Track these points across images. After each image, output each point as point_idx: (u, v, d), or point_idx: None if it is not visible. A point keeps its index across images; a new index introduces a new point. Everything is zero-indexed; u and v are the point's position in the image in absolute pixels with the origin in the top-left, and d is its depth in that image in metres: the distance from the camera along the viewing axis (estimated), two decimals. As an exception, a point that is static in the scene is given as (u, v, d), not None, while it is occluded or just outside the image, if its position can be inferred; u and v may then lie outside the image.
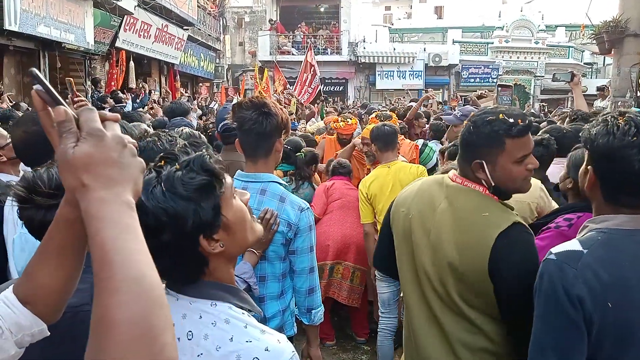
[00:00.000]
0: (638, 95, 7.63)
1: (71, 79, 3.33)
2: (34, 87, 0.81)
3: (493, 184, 1.77)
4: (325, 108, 12.42)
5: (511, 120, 1.71)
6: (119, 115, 0.83)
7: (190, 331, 1.13)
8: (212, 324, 1.12)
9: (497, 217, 1.74)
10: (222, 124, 3.91)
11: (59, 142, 0.76)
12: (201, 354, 1.09)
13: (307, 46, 15.66)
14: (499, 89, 7.83)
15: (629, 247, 1.46)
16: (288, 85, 12.58)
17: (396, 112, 6.87)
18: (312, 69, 13.06)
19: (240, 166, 2.68)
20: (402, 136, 5.96)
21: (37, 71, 0.81)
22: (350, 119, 5.61)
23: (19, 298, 1.01)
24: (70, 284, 1.01)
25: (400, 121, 6.29)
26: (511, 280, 1.67)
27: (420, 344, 1.93)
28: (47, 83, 0.81)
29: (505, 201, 1.86)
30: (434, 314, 1.87)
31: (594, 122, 1.55)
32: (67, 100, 4.14)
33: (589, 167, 1.55)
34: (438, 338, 1.87)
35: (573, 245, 1.50)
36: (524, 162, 1.75)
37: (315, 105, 12.39)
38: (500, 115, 1.73)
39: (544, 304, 1.46)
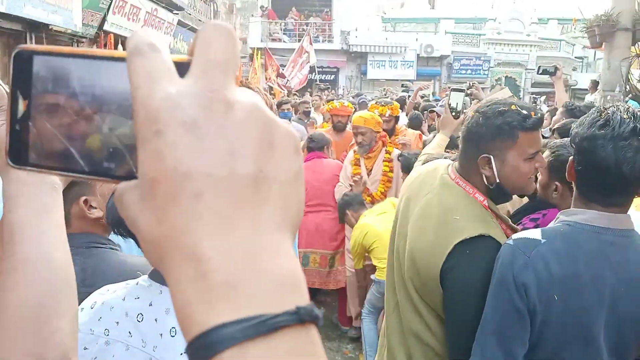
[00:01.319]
0: (627, 89, 7.66)
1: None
2: None
3: (498, 181, 1.63)
4: (318, 97, 12.35)
5: (524, 112, 1.60)
6: None
7: (173, 327, 1.08)
8: None
9: (466, 224, 1.59)
10: None
11: None
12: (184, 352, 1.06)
13: (302, 33, 15.59)
14: (453, 92, 7.72)
15: (591, 244, 1.42)
16: (281, 70, 12.41)
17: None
18: (306, 55, 12.93)
19: None
20: (405, 126, 5.94)
21: None
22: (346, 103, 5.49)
23: None
24: None
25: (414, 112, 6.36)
26: (456, 295, 1.56)
27: (388, 328, 1.90)
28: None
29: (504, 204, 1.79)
30: (397, 300, 1.83)
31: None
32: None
33: (570, 157, 1.52)
34: (398, 326, 1.83)
35: (533, 233, 1.48)
36: (534, 159, 1.64)
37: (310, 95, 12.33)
38: (513, 106, 1.62)
39: (494, 288, 1.46)
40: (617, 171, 1.37)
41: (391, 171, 4.23)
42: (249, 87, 2.25)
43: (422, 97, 9.30)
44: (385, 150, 4.32)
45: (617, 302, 1.40)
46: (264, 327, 0.30)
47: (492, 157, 1.61)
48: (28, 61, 0.38)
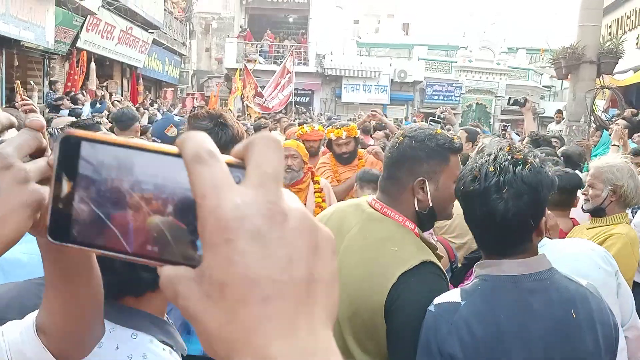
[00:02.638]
0: (592, 119, 7.91)
1: (18, 81, 3.21)
2: None
3: (430, 205, 1.62)
4: (291, 119, 12.34)
5: (449, 135, 1.67)
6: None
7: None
8: (128, 357, 1.05)
9: (406, 254, 1.54)
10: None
11: None
12: None
13: (277, 55, 15.53)
14: (431, 122, 8.00)
15: (510, 296, 1.39)
16: (259, 89, 12.31)
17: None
18: (288, 76, 12.79)
19: None
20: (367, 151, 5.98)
21: None
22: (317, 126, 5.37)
23: (37, 324, 0.88)
24: (86, 319, 0.86)
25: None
26: (404, 324, 1.50)
27: None
28: None
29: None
30: None
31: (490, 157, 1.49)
32: (14, 103, 4.00)
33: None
34: None
35: (453, 295, 1.43)
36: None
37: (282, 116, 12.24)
38: (438, 130, 1.68)
39: (421, 357, 1.41)
40: (495, 223, 1.37)
41: (324, 201, 3.94)
42: (223, 118, 2.25)
43: (395, 120, 9.44)
44: (313, 180, 4.01)
45: (553, 354, 1.35)
46: None
47: (426, 180, 1.61)
48: (76, 146, 0.40)
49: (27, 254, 1.63)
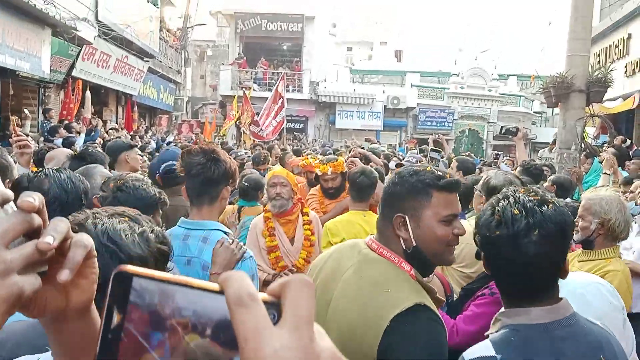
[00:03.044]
0: (582, 146, 8.00)
1: (14, 117, 3.24)
2: None
3: (414, 244, 1.54)
4: (286, 145, 12.35)
5: (439, 173, 1.61)
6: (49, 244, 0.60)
7: None
8: None
9: (399, 295, 1.47)
10: (165, 164, 3.82)
11: None
12: None
13: (271, 82, 15.50)
14: (431, 151, 8.10)
15: (544, 346, 1.35)
16: (256, 117, 12.32)
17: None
18: (280, 101, 12.73)
19: (185, 211, 2.67)
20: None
21: None
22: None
23: None
24: None
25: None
26: None
27: None
28: None
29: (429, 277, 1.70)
30: None
31: (493, 200, 1.47)
32: (8, 132, 4.01)
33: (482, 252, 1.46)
34: None
35: (486, 349, 1.37)
36: (452, 224, 1.58)
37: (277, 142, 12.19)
38: (428, 167, 1.64)
39: None
40: (526, 268, 1.33)
41: (313, 234, 3.73)
42: (216, 153, 2.30)
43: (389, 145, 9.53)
44: (302, 212, 3.83)
45: None
46: None
47: (406, 217, 1.55)
48: (127, 281, 0.45)
49: None
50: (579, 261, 2.84)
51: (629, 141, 9.50)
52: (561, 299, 1.42)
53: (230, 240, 2.18)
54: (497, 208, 1.39)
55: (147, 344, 0.44)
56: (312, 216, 3.87)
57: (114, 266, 0.46)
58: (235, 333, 0.41)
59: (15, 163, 2.85)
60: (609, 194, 2.82)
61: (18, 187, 1.80)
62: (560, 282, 1.86)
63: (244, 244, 2.31)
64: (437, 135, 9.58)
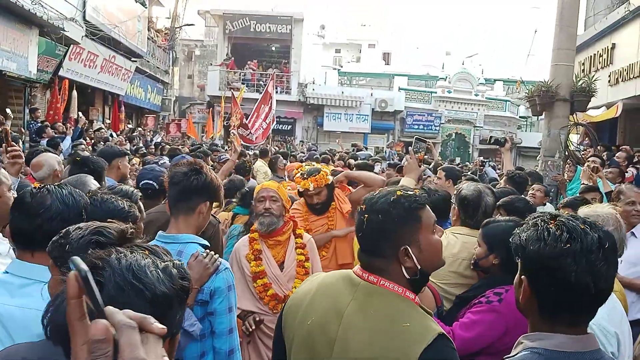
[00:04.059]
0: (566, 154, 8.13)
1: (7, 128, 3.25)
2: (73, 271, 0.65)
3: (419, 268, 1.55)
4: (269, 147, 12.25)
5: (410, 192, 1.60)
6: (165, 329, 0.68)
7: None
8: None
9: (419, 328, 1.47)
10: (143, 181, 3.80)
11: None
12: None
13: (259, 84, 15.44)
14: (416, 140, 8.09)
15: None
16: (244, 120, 12.22)
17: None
18: (270, 101, 12.54)
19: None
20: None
21: (79, 260, 0.66)
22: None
23: None
24: None
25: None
26: None
27: None
28: (93, 283, 0.65)
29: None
30: None
31: (524, 225, 1.40)
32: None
33: (522, 277, 1.37)
34: None
35: None
36: (435, 230, 1.61)
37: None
38: (398, 192, 1.59)
39: None
40: (590, 288, 1.26)
41: (307, 260, 3.26)
42: (199, 165, 2.37)
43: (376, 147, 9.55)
44: (295, 233, 3.33)
45: None
46: None
47: (409, 248, 1.54)
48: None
49: (21, 308, 1.66)
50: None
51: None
52: (589, 333, 1.36)
53: (205, 254, 2.21)
54: (563, 225, 1.31)
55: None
56: (307, 239, 3.35)
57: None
58: None
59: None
60: (605, 211, 2.76)
61: (21, 203, 1.82)
62: None
63: (221, 257, 2.32)
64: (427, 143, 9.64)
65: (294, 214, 3.77)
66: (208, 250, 2.26)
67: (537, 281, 1.32)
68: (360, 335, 1.49)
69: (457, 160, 20.57)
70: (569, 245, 1.26)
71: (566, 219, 1.33)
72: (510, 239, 1.43)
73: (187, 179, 2.31)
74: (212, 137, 16.22)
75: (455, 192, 3.25)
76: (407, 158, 3.31)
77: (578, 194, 4.93)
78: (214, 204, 2.63)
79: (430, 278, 2.77)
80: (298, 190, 3.97)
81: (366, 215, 1.58)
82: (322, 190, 3.89)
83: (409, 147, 3.66)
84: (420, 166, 3.43)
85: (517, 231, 1.40)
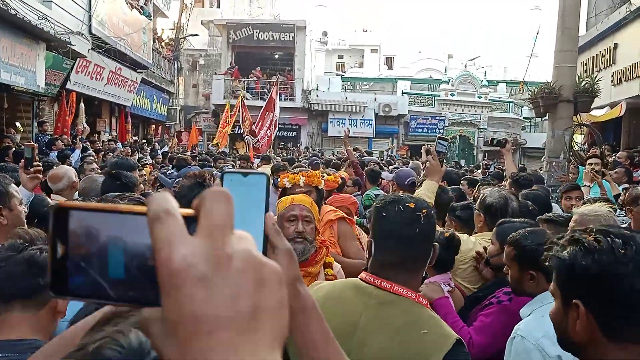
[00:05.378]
0: (570, 154, 8.17)
1: (34, 144, 3.33)
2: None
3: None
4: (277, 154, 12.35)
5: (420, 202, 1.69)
6: None
7: None
8: None
9: (438, 335, 1.50)
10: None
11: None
12: None
13: (263, 92, 15.39)
14: (439, 140, 8.14)
15: None
16: (253, 127, 12.30)
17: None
18: (274, 108, 12.62)
19: None
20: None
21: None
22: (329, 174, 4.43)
23: None
24: None
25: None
26: None
27: None
28: None
29: None
30: None
31: (555, 247, 1.28)
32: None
33: (575, 301, 1.21)
34: None
35: None
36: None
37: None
38: (411, 204, 1.65)
39: None
40: None
41: None
42: (203, 178, 2.46)
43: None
44: (324, 263, 2.68)
45: None
46: None
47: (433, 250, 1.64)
48: (64, 215, 0.48)
49: None
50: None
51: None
52: None
53: None
54: (597, 233, 1.23)
55: (93, 272, 0.47)
56: (337, 270, 2.72)
57: None
58: (152, 247, 0.43)
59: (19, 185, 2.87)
60: (605, 211, 2.76)
61: (44, 219, 1.90)
62: None
63: None
64: (428, 146, 9.69)
65: None
66: None
67: (597, 300, 1.18)
68: (378, 344, 1.49)
69: (462, 162, 20.60)
70: (625, 250, 1.17)
71: (600, 228, 1.25)
72: (543, 263, 1.33)
73: (189, 192, 2.34)
74: (217, 143, 16.26)
75: (480, 200, 3.23)
76: (429, 159, 3.21)
77: (560, 194, 4.89)
78: None
79: (459, 280, 2.83)
80: (284, 185, 3.33)
81: (419, 214, 1.62)
82: (312, 191, 3.26)
83: (428, 148, 3.35)
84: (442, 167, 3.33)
85: (552, 253, 1.27)
